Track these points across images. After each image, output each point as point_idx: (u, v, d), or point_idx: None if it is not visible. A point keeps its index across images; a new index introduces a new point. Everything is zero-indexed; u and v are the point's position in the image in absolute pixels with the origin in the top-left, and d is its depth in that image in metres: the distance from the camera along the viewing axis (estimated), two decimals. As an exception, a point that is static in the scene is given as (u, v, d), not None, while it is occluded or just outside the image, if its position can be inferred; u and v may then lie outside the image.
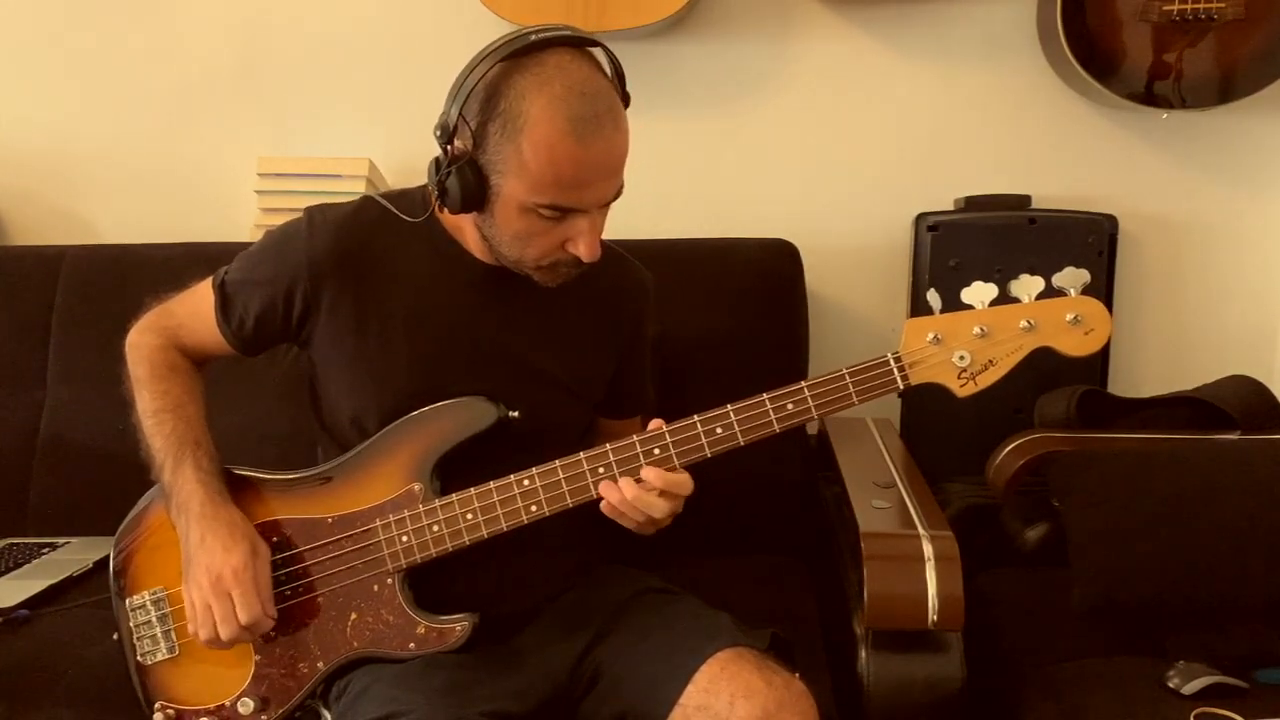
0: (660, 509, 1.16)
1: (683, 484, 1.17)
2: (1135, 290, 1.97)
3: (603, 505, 1.17)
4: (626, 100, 1.17)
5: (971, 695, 1.26)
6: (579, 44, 1.14)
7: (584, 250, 1.15)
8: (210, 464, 1.25)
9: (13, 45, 2.09)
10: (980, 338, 1.15)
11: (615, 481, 1.17)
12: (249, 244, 1.38)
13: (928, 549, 1.26)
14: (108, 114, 2.10)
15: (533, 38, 1.11)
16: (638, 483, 1.16)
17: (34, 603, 1.52)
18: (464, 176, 1.13)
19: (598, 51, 1.16)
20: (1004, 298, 1.15)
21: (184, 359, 1.34)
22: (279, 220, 1.37)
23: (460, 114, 1.12)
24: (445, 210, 1.17)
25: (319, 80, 2.05)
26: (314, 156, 2.02)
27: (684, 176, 2.00)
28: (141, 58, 2.07)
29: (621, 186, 1.17)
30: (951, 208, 1.93)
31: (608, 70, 1.16)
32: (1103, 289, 1.86)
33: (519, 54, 1.10)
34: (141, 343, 1.33)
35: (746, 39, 1.98)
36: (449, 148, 1.14)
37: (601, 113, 1.11)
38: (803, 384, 1.17)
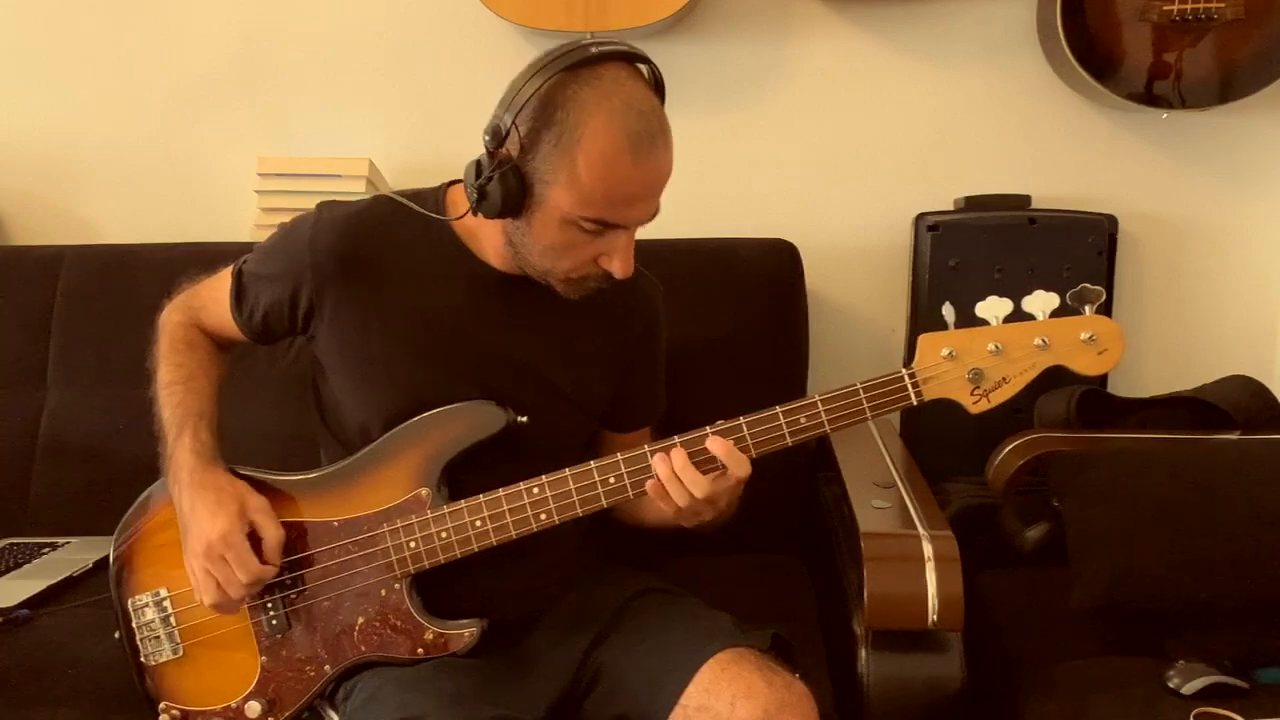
0: (703, 487, 1.13)
1: (742, 463, 1.14)
2: (1135, 290, 1.97)
3: (649, 484, 1.15)
4: None
5: (971, 695, 1.26)
6: (633, 59, 1.14)
7: (618, 267, 1.16)
8: (209, 435, 1.26)
9: (13, 45, 2.09)
10: (994, 355, 1.15)
11: (666, 455, 1.15)
12: (249, 244, 1.38)
13: (928, 549, 1.25)
14: (107, 114, 2.10)
15: (593, 50, 1.10)
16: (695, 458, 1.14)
17: (34, 603, 1.52)
18: (507, 182, 1.12)
19: (646, 69, 1.16)
20: (1018, 313, 1.15)
21: (204, 337, 1.36)
22: (279, 220, 1.37)
23: (514, 121, 1.11)
24: (479, 214, 1.16)
25: (319, 80, 2.05)
26: (314, 156, 2.02)
27: (684, 176, 1.96)
28: (141, 58, 2.07)
29: (658, 208, 1.17)
30: (951, 208, 1.93)
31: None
32: (1103, 289, 1.86)
33: (578, 66, 1.10)
34: (168, 320, 1.36)
35: (746, 39, 1.98)
36: (497, 152, 1.14)
37: (656, 131, 1.11)
38: (816, 397, 1.16)
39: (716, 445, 1.14)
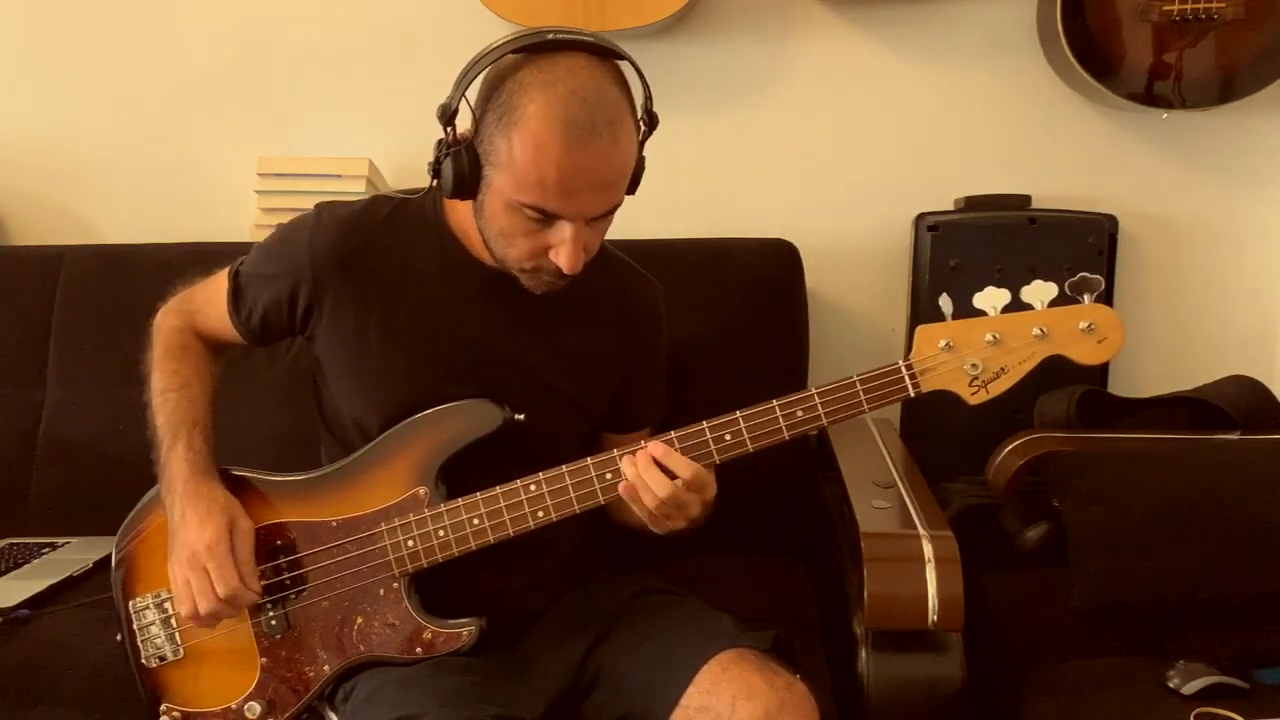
0: (665, 488, 1.13)
1: (685, 465, 1.13)
2: (1135, 290, 1.97)
3: (621, 486, 1.15)
4: (653, 121, 1.16)
5: (971, 695, 1.26)
6: (602, 53, 1.11)
7: (564, 260, 1.13)
8: (203, 443, 1.25)
9: (13, 45, 2.09)
10: (992, 345, 1.14)
11: (633, 456, 1.15)
12: (249, 244, 1.38)
13: (928, 549, 1.25)
14: (108, 114, 2.10)
15: (549, 36, 1.09)
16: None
17: (34, 603, 1.52)
18: (459, 161, 1.12)
19: (626, 67, 1.14)
20: (1016, 303, 1.14)
21: (198, 342, 1.35)
22: (279, 220, 1.37)
23: (464, 97, 1.11)
24: (442, 193, 1.16)
25: (319, 80, 2.05)
26: (314, 156, 2.02)
27: (684, 176, 1.99)
28: (141, 58, 2.07)
29: (618, 204, 1.15)
30: (951, 208, 1.93)
31: (638, 86, 1.14)
32: (1101, 278, 1.86)
33: (533, 49, 1.09)
34: (163, 324, 1.35)
35: (746, 39, 1.98)
36: (449, 130, 1.13)
37: (600, 123, 1.08)
38: (813, 390, 1.16)
39: (655, 450, 1.14)
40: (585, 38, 1.11)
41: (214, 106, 2.08)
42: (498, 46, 1.10)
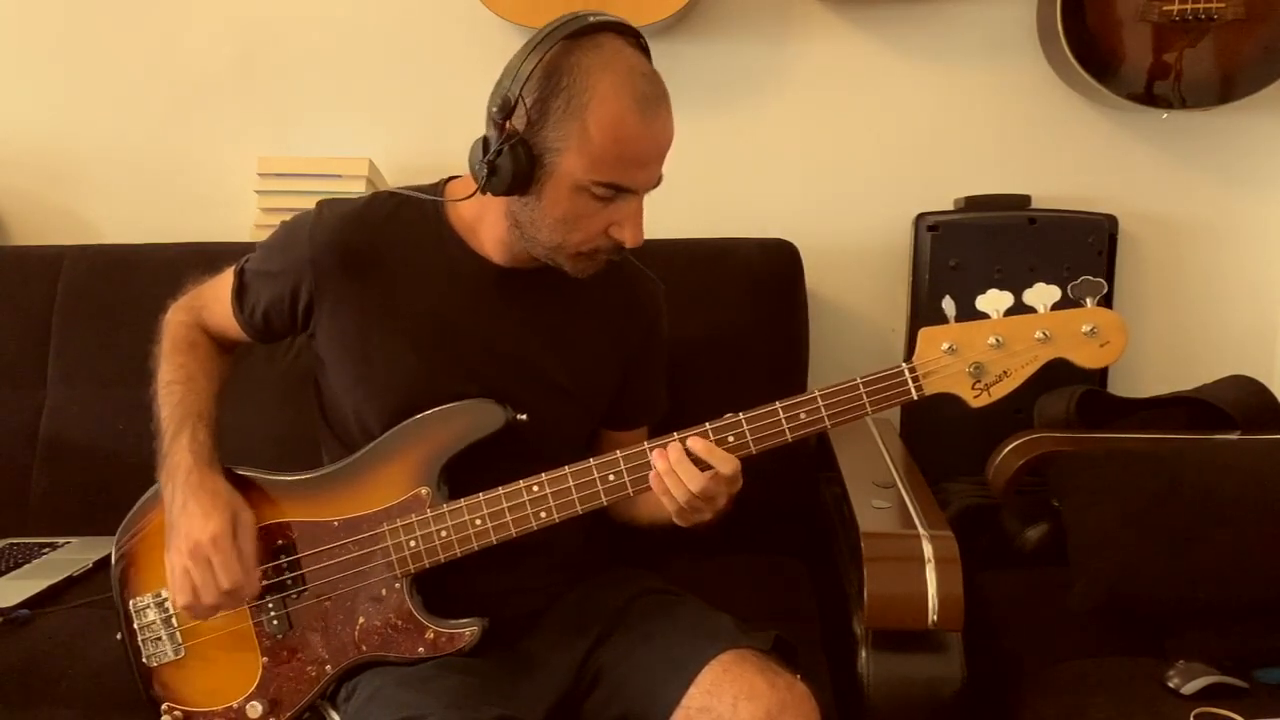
0: (698, 482, 1.14)
1: (726, 460, 1.14)
2: (1135, 290, 1.97)
3: (650, 478, 1.16)
4: None
5: (971, 695, 1.26)
6: (627, 32, 1.16)
7: (629, 234, 1.16)
8: (207, 435, 1.26)
9: (13, 45, 2.09)
10: (995, 348, 1.15)
11: (664, 450, 1.16)
12: (249, 244, 1.38)
13: (928, 549, 1.25)
14: (108, 114, 2.10)
15: (590, 19, 1.13)
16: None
17: (34, 603, 1.52)
18: (516, 155, 1.13)
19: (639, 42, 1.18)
20: (1019, 306, 1.15)
21: (206, 338, 1.36)
22: (279, 220, 1.37)
23: (520, 92, 1.12)
24: (488, 192, 1.16)
25: (319, 80, 2.05)
26: (314, 156, 2.02)
27: (684, 176, 1.97)
28: (141, 57, 2.07)
29: (662, 176, 1.19)
30: (951, 208, 1.93)
31: None
32: (1104, 281, 1.86)
33: (577, 34, 1.12)
34: (171, 320, 1.36)
35: (746, 39, 1.98)
36: (505, 124, 1.14)
37: (660, 94, 1.15)
38: (816, 393, 1.16)
39: (696, 445, 1.15)
40: (613, 18, 1.15)
41: (214, 106, 2.07)
42: (545, 38, 1.12)
